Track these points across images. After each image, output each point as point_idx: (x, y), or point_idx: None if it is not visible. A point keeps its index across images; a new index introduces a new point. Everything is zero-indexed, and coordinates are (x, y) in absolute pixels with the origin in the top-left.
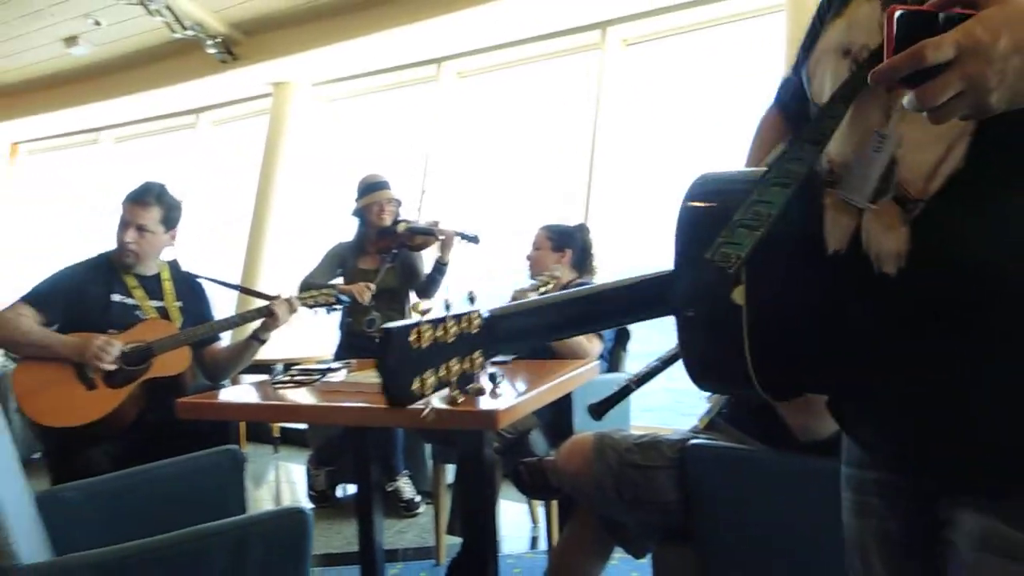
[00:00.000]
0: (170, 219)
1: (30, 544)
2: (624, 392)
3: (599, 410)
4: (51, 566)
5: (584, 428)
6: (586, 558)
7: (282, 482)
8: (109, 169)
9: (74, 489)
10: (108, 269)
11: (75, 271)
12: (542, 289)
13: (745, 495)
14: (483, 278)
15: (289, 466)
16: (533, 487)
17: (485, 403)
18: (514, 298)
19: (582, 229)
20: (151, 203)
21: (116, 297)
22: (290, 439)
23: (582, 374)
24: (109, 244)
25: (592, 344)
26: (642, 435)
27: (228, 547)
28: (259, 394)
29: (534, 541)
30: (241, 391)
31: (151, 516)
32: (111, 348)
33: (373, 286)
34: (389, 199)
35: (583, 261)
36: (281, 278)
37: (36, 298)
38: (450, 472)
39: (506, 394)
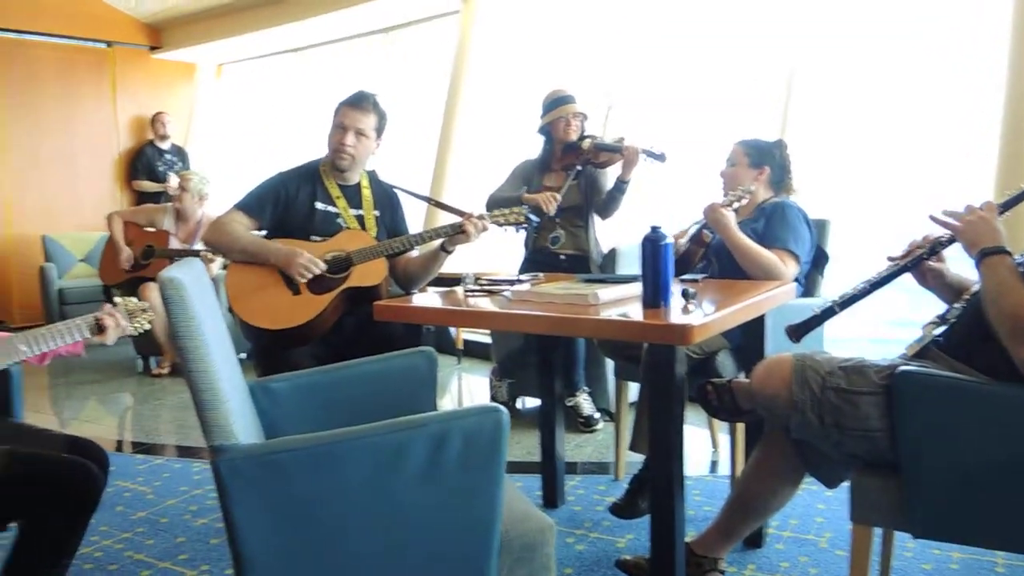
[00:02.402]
0: (381, 127)
1: (246, 427)
2: (827, 314)
3: (798, 332)
4: (266, 446)
5: (776, 352)
6: (775, 485)
7: (464, 392)
8: (305, 85)
9: (282, 380)
10: (315, 177)
11: (284, 179)
12: (735, 205)
13: (959, 426)
14: (670, 195)
15: (471, 377)
16: (721, 408)
17: (677, 318)
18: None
19: (780, 146)
20: (369, 109)
21: (320, 205)
22: (473, 351)
23: (777, 295)
24: (307, 154)
25: (787, 266)
26: (847, 358)
27: (429, 439)
28: (449, 301)
29: (714, 465)
30: (433, 297)
31: (350, 409)
32: (313, 267)
33: (559, 196)
34: (575, 113)
35: (781, 180)
36: (466, 192)
37: (248, 205)
38: (632, 390)
39: (698, 311)
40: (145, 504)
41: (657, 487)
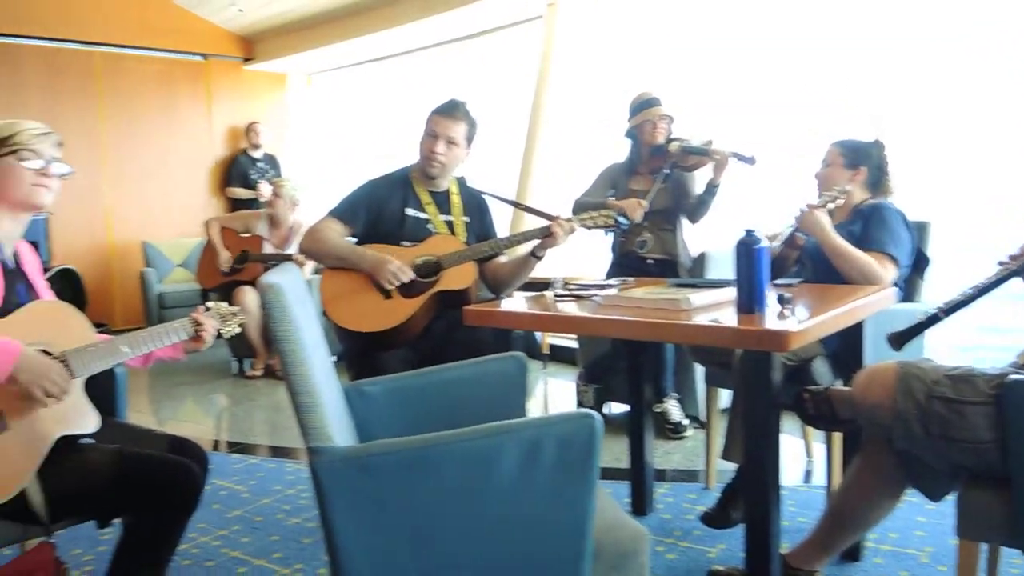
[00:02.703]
0: (471, 135)
1: (341, 429)
2: (931, 321)
3: (901, 339)
4: (362, 449)
5: (875, 360)
6: (874, 497)
7: (550, 397)
8: (393, 92)
9: (375, 384)
10: (405, 184)
11: (375, 186)
12: (830, 206)
13: None
14: (759, 199)
15: (557, 382)
16: (818, 417)
17: (773, 323)
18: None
19: (878, 146)
20: (460, 117)
21: (410, 211)
22: (559, 356)
23: (877, 301)
24: (397, 161)
25: (886, 269)
26: (954, 367)
27: (522, 444)
28: (539, 305)
29: (808, 475)
30: (522, 301)
31: (441, 413)
32: (402, 274)
33: (646, 203)
34: (661, 116)
35: (878, 180)
36: (552, 197)
37: (342, 213)
38: (724, 396)
39: (794, 317)
40: (240, 503)
41: (752, 497)
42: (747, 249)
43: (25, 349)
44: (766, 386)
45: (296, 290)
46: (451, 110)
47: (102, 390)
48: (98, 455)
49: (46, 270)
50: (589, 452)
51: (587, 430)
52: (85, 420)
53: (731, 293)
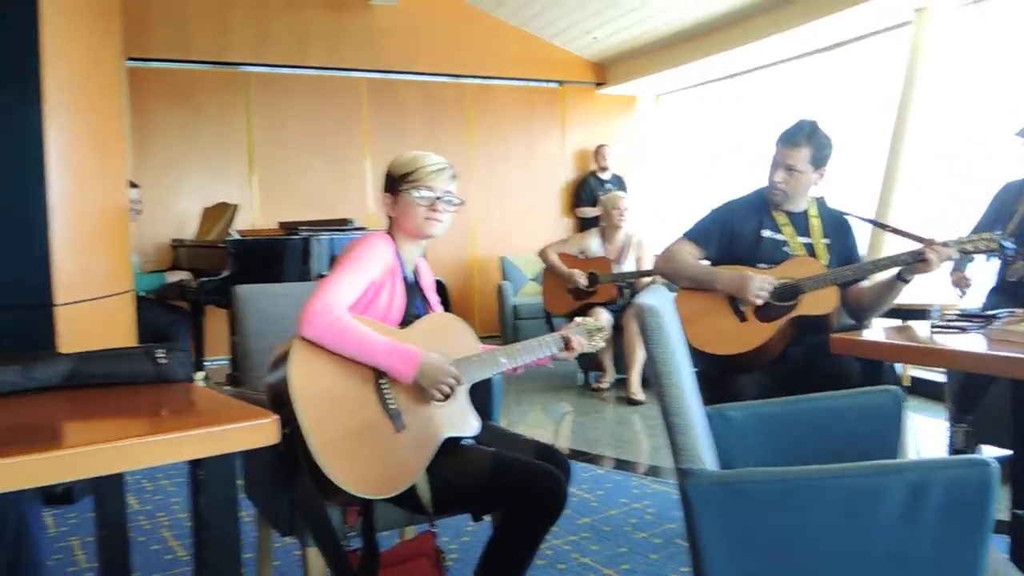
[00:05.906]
0: (819, 158)
1: (708, 453)
2: None
3: None
4: (735, 475)
5: None
6: None
7: (912, 433)
8: (745, 109)
9: (738, 409)
10: (760, 205)
11: (730, 207)
12: None
13: None
14: None
15: (920, 418)
16: None
17: None
18: None
19: None
20: (801, 143)
21: (766, 233)
22: (921, 390)
23: None
24: (757, 182)
25: None
26: None
27: (906, 487)
28: (911, 336)
29: None
30: (891, 331)
31: (807, 444)
32: (767, 286)
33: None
34: None
35: None
36: (918, 216)
37: (697, 234)
38: None
39: None
40: (589, 511)
41: None
42: None
43: (426, 355)
44: None
45: (668, 311)
46: (790, 137)
47: (480, 395)
48: (478, 456)
49: None
50: (983, 502)
51: (982, 478)
52: (468, 423)
53: None
